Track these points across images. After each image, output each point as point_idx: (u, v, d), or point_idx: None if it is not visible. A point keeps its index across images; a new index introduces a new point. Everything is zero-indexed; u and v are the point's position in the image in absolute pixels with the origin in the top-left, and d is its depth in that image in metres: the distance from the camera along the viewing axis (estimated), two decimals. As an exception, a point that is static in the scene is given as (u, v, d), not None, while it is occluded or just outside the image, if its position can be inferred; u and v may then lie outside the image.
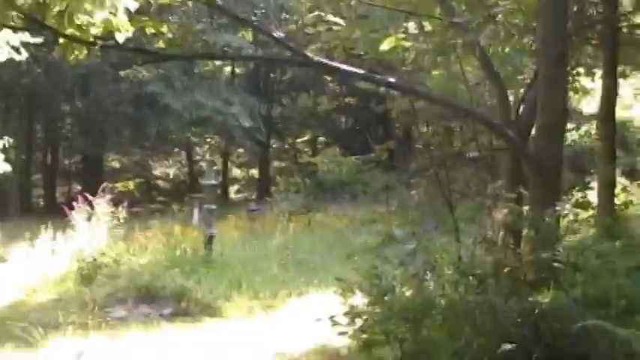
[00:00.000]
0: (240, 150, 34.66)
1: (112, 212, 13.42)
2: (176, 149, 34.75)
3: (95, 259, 12.87)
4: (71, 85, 27.99)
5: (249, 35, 27.56)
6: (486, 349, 3.61)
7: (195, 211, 20.21)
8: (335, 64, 5.66)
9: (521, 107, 7.47)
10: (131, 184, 33.05)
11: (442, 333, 3.87)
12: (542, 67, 5.75)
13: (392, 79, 7.07)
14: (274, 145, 36.56)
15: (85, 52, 6.29)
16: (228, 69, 33.91)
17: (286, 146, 37.84)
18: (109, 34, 6.22)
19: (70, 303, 11.18)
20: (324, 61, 5.60)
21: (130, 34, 6.31)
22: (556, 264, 4.03)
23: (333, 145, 39.28)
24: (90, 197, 13.36)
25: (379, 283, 5.50)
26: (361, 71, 6.03)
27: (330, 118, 36.70)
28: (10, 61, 12.05)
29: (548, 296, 3.77)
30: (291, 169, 38.76)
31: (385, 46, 7.49)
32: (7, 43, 11.31)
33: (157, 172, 36.10)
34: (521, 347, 3.63)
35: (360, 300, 7.70)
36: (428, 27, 8.37)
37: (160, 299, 11.27)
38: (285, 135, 36.69)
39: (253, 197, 33.04)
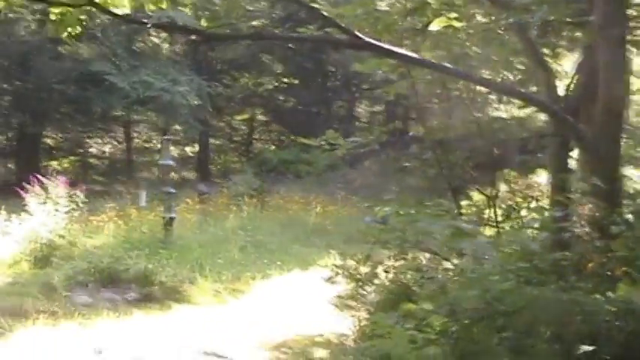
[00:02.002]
0: (177, 127, 34.07)
1: (69, 194, 13.05)
2: (114, 126, 33.99)
3: (51, 241, 12.56)
4: (10, 62, 27.39)
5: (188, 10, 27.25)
6: (562, 351, 3.51)
7: (143, 193, 19.87)
8: (386, 46, 5.49)
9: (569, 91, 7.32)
10: (65, 163, 32.19)
11: (509, 332, 3.72)
12: (601, 52, 5.58)
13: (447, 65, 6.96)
14: (212, 123, 36.07)
15: (79, 28, 6.03)
16: (166, 46, 33.39)
17: (222, 124, 37.34)
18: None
19: (28, 287, 10.84)
20: (376, 42, 5.41)
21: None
22: None
23: (272, 124, 39.27)
24: (42, 178, 13.08)
25: (433, 277, 5.30)
26: (415, 55, 5.88)
27: (271, 98, 36.42)
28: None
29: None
30: (227, 148, 38.44)
31: (436, 26, 7.36)
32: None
33: (92, 149, 35.23)
34: (603, 349, 3.53)
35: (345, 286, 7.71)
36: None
37: (122, 283, 11.06)
38: (223, 114, 36.24)
39: (193, 177, 32.64)
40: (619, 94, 5.42)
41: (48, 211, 12.82)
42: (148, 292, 10.82)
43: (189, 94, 27.30)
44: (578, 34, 8.46)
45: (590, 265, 4.00)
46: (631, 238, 4.10)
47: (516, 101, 9.48)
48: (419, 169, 10.58)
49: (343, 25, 5.27)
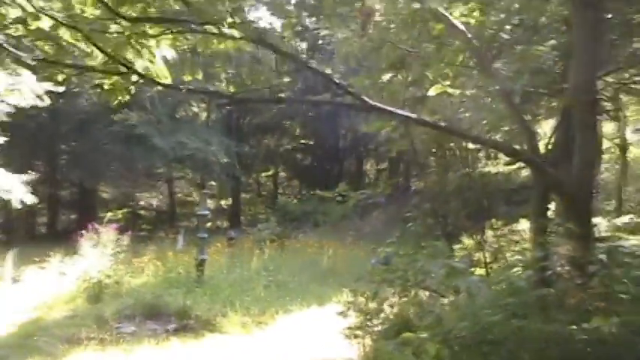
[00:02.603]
0: (212, 183, 34.34)
1: (116, 239, 13.15)
2: (159, 182, 34.31)
3: (100, 280, 12.59)
4: (70, 127, 28.01)
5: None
6: None
7: (180, 238, 19.90)
8: (389, 108, 5.54)
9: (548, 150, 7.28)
10: (119, 213, 32.40)
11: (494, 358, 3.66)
12: (577, 113, 5.57)
13: (443, 123, 7.02)
14: (242, 179, 36.31)
15: (127, 95, 6.13)
16: (204, 114, 33.85)
17: (250, 180, 37.57)
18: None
19: (84, 319, 10.87)
20: (381, 105, 5.46)
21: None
22: (624, 296, 3.83)
23: (293, 180, 39.46)
24: (97, 226, 13.26)
25: (432, 311, 5.25)
26: (414, 115, 5.92)
27: (290, 156, 36.66)
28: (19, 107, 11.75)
29: (616, 325, 3.58)
30: (256, 201, 38.60)
31: (433, 92, 7.43)
32: (32, 91, 11.02)
33: (142, 202, 35.57)
34: None
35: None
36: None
37: (163, 316, 11.04)
38: (251, 171, 36.46)
39: (225, 225, 32.72)
40: (592, 152, 5.43)
41: (98, 254, 12.91)
42: (186, 323, 10.76)
43: (220, 152, 27.84)
44: (554, 103, 8.51)
45: (571, 300, 3.95)
46: (607, 276, 4.07)
47: (502, 158, 9.53)
48: (419, 217, 10.62)
49: (353, 91, 5.33)
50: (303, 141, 35.82)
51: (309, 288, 14.40)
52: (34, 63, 5.47)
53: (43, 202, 29.73)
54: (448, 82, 7.28)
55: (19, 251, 15.67)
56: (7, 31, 5.53)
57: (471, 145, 8.78)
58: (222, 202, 36.96)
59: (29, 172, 11.86)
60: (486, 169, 11.22)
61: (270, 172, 37.64)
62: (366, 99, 5.10)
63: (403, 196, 26.00)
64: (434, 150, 9.19)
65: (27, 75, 11.04)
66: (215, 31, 5.87)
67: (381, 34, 7.69)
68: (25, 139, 26.41)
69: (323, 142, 34.06)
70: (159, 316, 10.96)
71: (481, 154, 11.09)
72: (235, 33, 5.79)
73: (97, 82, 6.28)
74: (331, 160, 35.00)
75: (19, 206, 11.41)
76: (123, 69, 5.63)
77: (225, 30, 5.78)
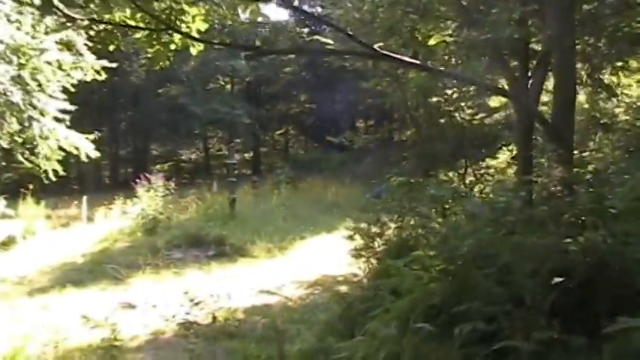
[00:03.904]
0: (238, 140, 33.91)
1: (164, 185, 12.80)
2: (196, 140, 33.90)
3: (154, 217, 12.27)
4: (126, 100, 27.62)
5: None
6: (539, 283, 3.01)
7: (215, 183, 19.48)
8: (397, 56, 4.98)
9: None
10: (166, 166, 32.06)
11: (492, 269, 3.22)
12: (556, 57, 5.02)
13: (441, 68, 6.44)
14: (260, 136, 35.80)
15: (168, 61, 5.56)
16: (229, 86, 33.21)
17: (267, 138, 37.03)
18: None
19: (141, 248, 10.61)
20: (388, 53, 4.88)
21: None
22: (612, 210, 3.37)
23: (300, 137, 38.90)
24: (149, 176, 12.98)
25: (438, 232, 4.78)
26: (418, 62, 5.34)
27: (297, 118, 36.00)
28: (87, 83, 11.28)
29: (605, 236, 3.15)
30: (272, 153, 38.08)
31: (433, 41, 6.80)
32: (92, 66, 10.48)
33: (183, 157, 35.18)
34: (572, 279, 3.03)
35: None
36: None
37: (204, 244, 10.75)
38: (268, 129, 35.87)
39: (249, 172, 32.32)
40: (571, 87, 4.87)
41: (151, 197, 12.59)
42: (222, 250, 10.46)
43: (243, 116, 27.49)
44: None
45: (565, 216, 3.49)
46: (593, 194, 3.59)
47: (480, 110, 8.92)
48: (410, 157, 10.16)
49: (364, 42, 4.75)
50: (307, 105, 35.16)
51: (318, 219, 14.02)
52: (85, 22, 4.86)
53: (107, 159, 29.47)
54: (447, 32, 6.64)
55: (90, 198, 15.41)
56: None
57: (454, 97, 8.25)
58: (246, 155, 36.50)
59: (93, 132, 11.35)
60: (465, 118, 10.72)
61: (282, 131, 37.02)
62: (376, 47, 4.53)
63: (388, 145, 25.68)
64: (422, 101, 8.63)
65: (87, 54, 10.52)
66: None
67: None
68: (92, 109, 26.02)
69: (322, 105, 33.40)
70: (200, 244, 10.69)
71: (462, 104, 10.53)
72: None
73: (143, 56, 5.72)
74: (329, 120, 34.31)
75: (86, 160, 10.96)
76: (163, 27, 4.99)
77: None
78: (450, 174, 8.36)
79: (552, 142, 4.44)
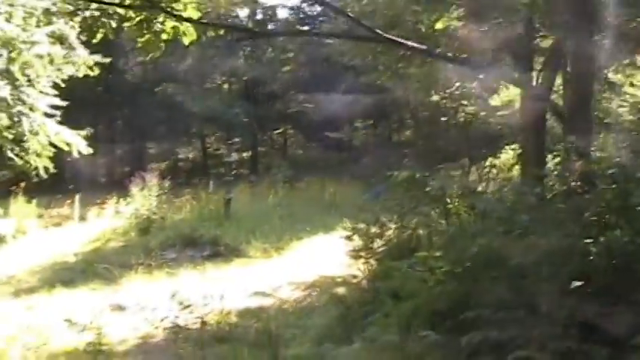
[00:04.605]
0: (236, 139, 33.82)
1: (159, 184, 12.58)
2: (193, 139, 33.68)
3: (148, 217, 12.04)
4: (122, 98, 27.59)
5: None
6: (557, 287, 2.75)
7: (210, 182, 19.23)
8: (401, 40, 4.73)
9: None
10: (163, 165, 31.81)
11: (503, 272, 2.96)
12: (571, 45, 4.72)
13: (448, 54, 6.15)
14: (258, 135, 35.64)
15: (162, 47, 5.32)
16: (226, 85, 33.04)
17: (265, 137, 36.87)
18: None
19: (134, 248, 10.39)
20: (392, 37, 4.63)
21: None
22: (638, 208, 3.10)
23: (298, 136, 38.70)
24: (143, 174, 12.82)
25: (443, 232, 4.52)
26: (424, 47, 5.08)
27: (295, 117, 35.83)
28: (82, 80, 11.07)
29: (631, 236, 2.89)
30: (270, 152, 37.89)
31: (440, 25, 6.53)
32: (85, 62, 10.23)
33: (180, 155, 34.91)
34: (591, 283, 2.77)
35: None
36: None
37: (199, 244, 10.54)
38: (266, 129, 35.68)
39: (246, 172, 32.11)
40: (588, 78, 4.60)
41: (145, 196, 12.36)
42: (217, 250, 10.21)
43: (241, 114, 27.13)
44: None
45: (584, 214, 3.23)
46: (617, 190, 3.31)
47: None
48: (412, 155, 9.91)
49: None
50: (305, 104, 35.02)
51: (315, 219, 13.72)
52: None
53: (102, 157, 29.22)
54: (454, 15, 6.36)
55: (85, 197, 15.16)
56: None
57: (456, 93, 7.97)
58: (244, 154, 36.31)
59: (86, 129, 11.12)
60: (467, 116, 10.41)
61: (280, 130, 36.85)
62: (379, 32, 4.28)
63: (386, 145, 25.52)
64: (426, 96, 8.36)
65: (80, 48, 10.28)
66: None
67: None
68: (88, 107, 25.80)
69: (321, 105, 33.20)
70: (195, 245, 10.47)
71: (465, 102, 10.21)
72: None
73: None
74: (328, 119, 34.09)
75: (77, 156, 10.74)
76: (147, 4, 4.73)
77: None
78: (452, 173, 8.12)
79: (570, 134, 4.16)
